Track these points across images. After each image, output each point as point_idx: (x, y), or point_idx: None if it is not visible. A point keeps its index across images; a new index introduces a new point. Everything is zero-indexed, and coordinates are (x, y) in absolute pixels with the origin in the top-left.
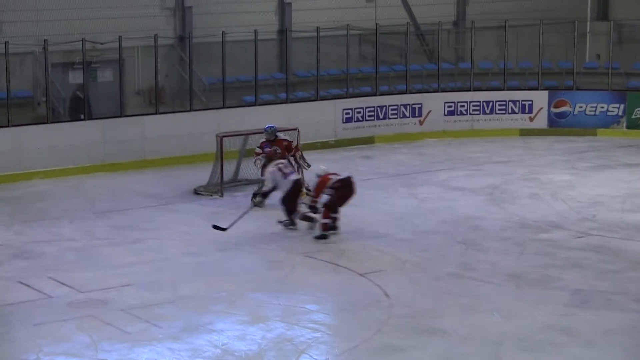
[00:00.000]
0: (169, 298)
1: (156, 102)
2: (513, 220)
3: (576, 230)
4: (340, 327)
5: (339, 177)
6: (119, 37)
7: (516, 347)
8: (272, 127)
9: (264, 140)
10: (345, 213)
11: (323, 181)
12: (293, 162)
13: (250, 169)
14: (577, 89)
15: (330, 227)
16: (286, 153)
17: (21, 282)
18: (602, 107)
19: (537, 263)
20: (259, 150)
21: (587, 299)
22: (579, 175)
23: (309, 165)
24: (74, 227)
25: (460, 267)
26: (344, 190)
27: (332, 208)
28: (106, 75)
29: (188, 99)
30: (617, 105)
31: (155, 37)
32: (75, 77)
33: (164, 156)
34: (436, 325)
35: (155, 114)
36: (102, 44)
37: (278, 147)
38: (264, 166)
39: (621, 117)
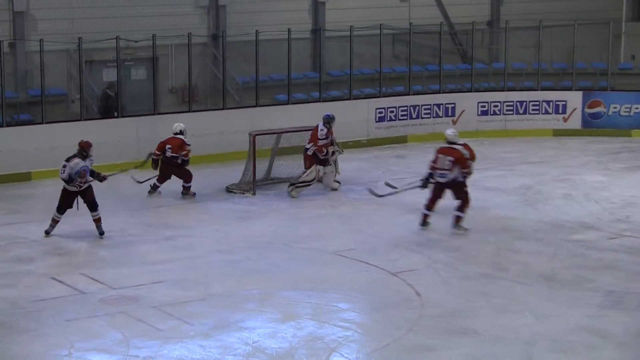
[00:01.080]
0: (201, 295)
1: (189, 100)
2: (546, 220)
3: (609, 232)
4: (371, 326)
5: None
6: (153, 35)
7: (548, 348)
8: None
9: (325, 129)
10: (377, 211)
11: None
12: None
13: (282, 167)
14: (612, 90)
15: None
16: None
17: (54, 278)
18: (637, 108)
19: (570, 264)
20: (325, 142)
21: (620, 301)
22: (613, 176)
23: (342, 150)
24: (107, 224)
25: (492, 267)
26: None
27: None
28: (140, 74)
29: (221, 97)
30: None
31: (189, 35)
32: (109, 75)
33: (197, 154)
34: (467, 325)
35: (189, 112)
36: (136, 42)
37: (330, 134)
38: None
39: None
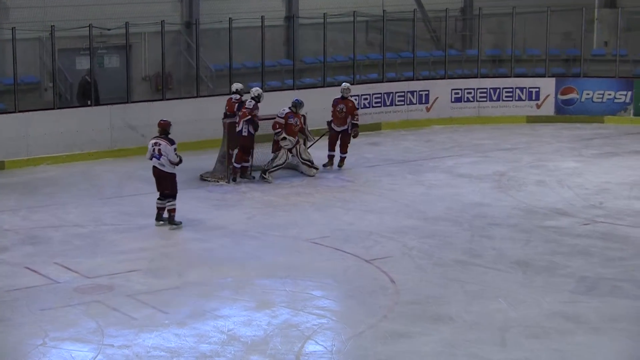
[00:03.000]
0: (175, 284)
1: (163, 88)
2: (520, 207)
3: (583, 218)
4: (346, 314)
5: None
6: (126, 23)
7: (522, 334)
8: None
9: (289, 110)
10: (352, 199)
11: None
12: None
13: (256, 154)
14: (585, 76)
15: None
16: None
17: (28, 268)
18: (610, 95)
19: (543, 250)
20: (282, 120)
21: (594, 286)
22: (586, 162)
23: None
24: (81, 213)
25: (467, 253)
26: None
27: None
28: (113, 61)
29: (195, 85)
30: (625, 92)
31: (162, 23)
32: (82, 63)
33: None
34: (442, 311)
35: (162, 100)
36: (109, 30)
37: (298, 119)
38: (276, 141)
39: (628, 104)
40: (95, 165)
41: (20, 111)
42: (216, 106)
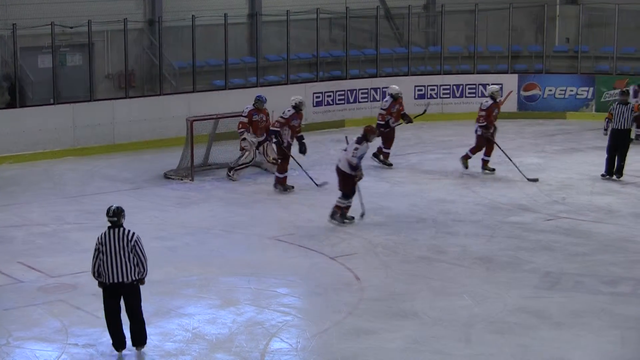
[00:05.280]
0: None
1: (126, 86)
2: (483, 203)
3: (546, 213)
4: (310, 311)
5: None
6: (89, 21)
7: (486, 330)
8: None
9: (252, 108)
10: (316, 197)
11: None
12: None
13: (220, 153)
14: (547, 73)
15: None
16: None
17: None
18: (572, 91)
19: (507, 246)
20: (245, 119)
21: (557, 282)
22: (549, 158)
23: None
24: (44, 212)
25: (431, 250)
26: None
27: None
28: (76, 60)
29: (158, 83)
30: (586, 88)
31: (125, 21)
32: (44, 61)
33: (134, 140)
34: (407, 308)
35: (125, 98)
36: (71, 27)
37: (264, 114)
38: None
39: (590, 100)
40: (58, 163)
41: None
42: (179, 104)
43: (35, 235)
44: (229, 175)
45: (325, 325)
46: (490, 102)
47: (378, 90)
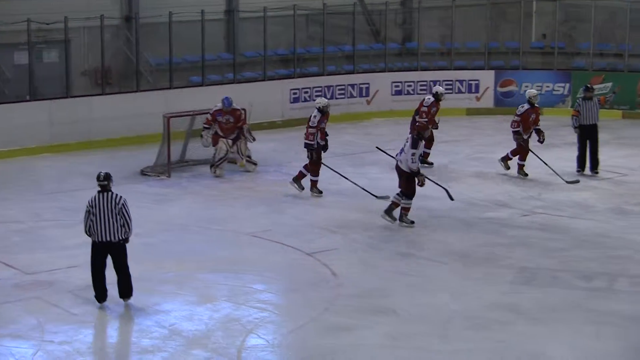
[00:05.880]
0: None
1: (102, 82)
2: (460, 199)
3: (522, 209)
4: (287, 307)
5: None
6: (65, 17)
7: (463, 326)
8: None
9: (218, 108)
10: (293, 192)
11: None
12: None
13: (197, 149)
14: (524, 69)
15: None
16: (237, 123)
17: None
18: (548, 87)
19: (484, 242)
20: (210, 117)
21: (533, 277)
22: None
23: (254, 139)
24: (21, 209)
25: (409, 246)
26: None
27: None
28: (52, 56)
29: (135, 79)
30: (563, 84)
31: (102, 17)
32: (21, 58)
33: (111, 137)
34: (384, 304)
35: (102, 94)
36: (47, 24)
37: (231, 116)
38: (214, 135)
39: (566, 96)
40: (34, 160)
41: None
42: (156, 100)
43: (11, 232)
44: (213, 173)
45: (302, 321)
46: (526, 107)
47: (355, 86)
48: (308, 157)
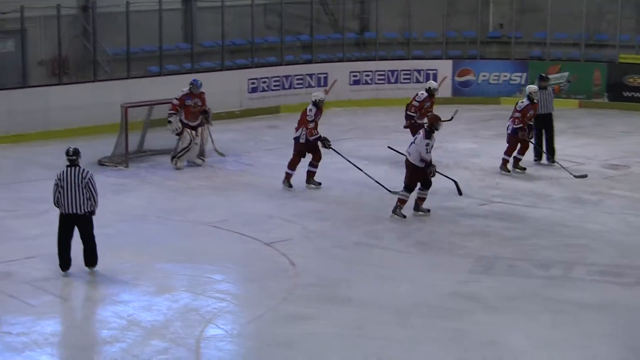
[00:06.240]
0: (74, 270)
1: (60, 72)
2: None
3: (480, 198)
4: (246, 297)
5: None
6: (21, 7)
7: (422, 314)
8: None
9: (186, 92)
10: (252, 182)
11: None
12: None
13: (155, 139)
14: (481, 58)
15: None
16: (202, 106)
17: None
18: (505, 76)
19: (442, 231)
20: (177, 102)
21: (491, 266)
22: (483, 143)
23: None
24: None
25: (367, 235)
26: None
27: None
28: (8, 46)
29: (92, 69)
30: (520, 74)
31: (58, 7)
32: None
33: (69, 127)
34: (342, 293)
35: (59, 84)
36: (3, 13)
37: (199, 99)
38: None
39: (524, 85)
40: None
41: None
42: (114, 90)
43: None
44: (174, 165)
45: (260, 311)
46: (526, 102)
47: (313, 76)
48: (322, 147)
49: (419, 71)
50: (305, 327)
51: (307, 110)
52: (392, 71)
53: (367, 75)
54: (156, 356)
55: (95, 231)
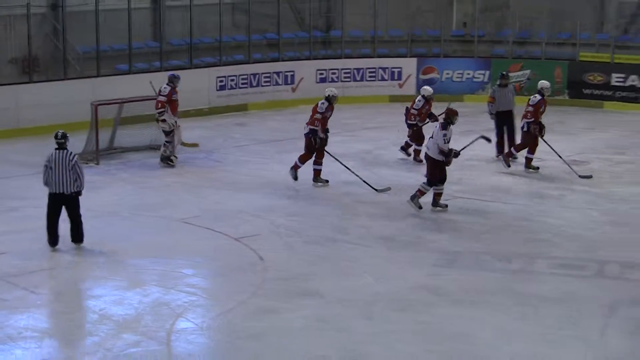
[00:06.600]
0: (46, 265)
1: (30, 70)
2: (384, 184)
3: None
4: (215, 291)
5: None
6: None
7: (388, 307)
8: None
9: (171, 87)
10: (221, 179)
11: None
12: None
13: (125, 137)
14: (445, 57)
15: None
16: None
17: None
18: (469, 74)
19: (407, 225)
20: (164, 98)
21: (455, 260)
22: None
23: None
24: None
25: (334, 230)
26: None
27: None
28: None
29: (62, 67)
30: (483, 72)
31: (28, 5)
32: None
33: (39, 125)
34: (310, 287)
35: (30, 82)
36: None
37: (177, 94)
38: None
39: (486, 83)
40: None
41: None
42: (84, 88)
43: None
44: (169, 163)
45: (230, 305)
46: (538, 97)
47: (280, 74)
48: (313, 143)
49: (384, 69)
50: (272, 321)
51: (319, 104)
52: (358, 69)
53: (334, 73)
54: (128, 349)
55: (67, 226)
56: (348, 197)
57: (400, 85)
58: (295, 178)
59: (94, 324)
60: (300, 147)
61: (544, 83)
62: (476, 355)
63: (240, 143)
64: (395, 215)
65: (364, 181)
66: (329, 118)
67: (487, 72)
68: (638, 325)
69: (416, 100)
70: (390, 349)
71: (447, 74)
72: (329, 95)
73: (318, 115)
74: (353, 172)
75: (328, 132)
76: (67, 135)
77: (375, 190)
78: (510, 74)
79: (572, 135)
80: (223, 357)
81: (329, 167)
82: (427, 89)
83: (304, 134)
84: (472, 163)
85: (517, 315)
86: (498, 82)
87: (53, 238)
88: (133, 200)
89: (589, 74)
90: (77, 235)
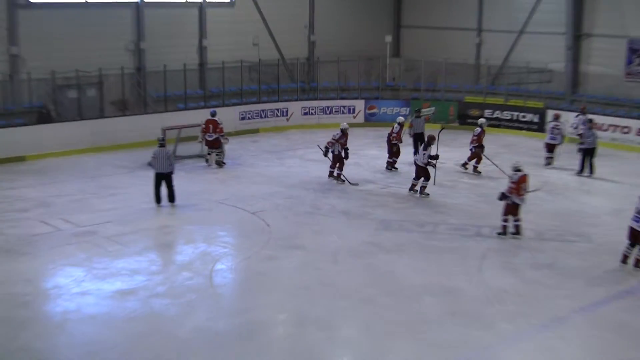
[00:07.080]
0: (135, 230)
1: (123, 108)
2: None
3: (382, 184)
4: (239, 245)
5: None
6: (99, 68)
7: (347, 255)
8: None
9: (213, 118)
10: (242, 175)
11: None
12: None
13: (183, 149)
14: (382, 99)
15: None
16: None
17: (42, 221)
18: (396, 110)
19: (359, 204)
20: (222, 126)
21: (388, 225)
22: (383, 150)
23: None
24: (74, 187)
25: (312, 207)
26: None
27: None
28: (92, 92)
29: (143, 106)
30: (405, 108)
31: (122, 68)
32: (72, 93)
33: (129, 142)
34: (298, 243)
35: (123, 116)
36: (89, 72)
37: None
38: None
39: (407, 115)
40: (82, 156)
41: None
42: (156, 120)
43: (69, 202)
44: (221, 165)
45: (248, 254)
46: (479, 130)
47: (279, 109)
48: (326, 154)
49: (344, 107)
50: (275, 264)
51: (335, 134)
52: (328, 107)
53: (312, 109)
54: (185, 282)
55: (147, 206)
56: (320, 186)
57: (354, 117)
58: (350, 182)
59: (164, 266)
60: (289, 155)
61: (481, 120)
62: (401, 284)
63: (254, 153)
64: (350, 197)
65: (345, 178)
66: (345, 142)
67: (408, 109)
68: (501, 264)
69: (394, 127)
70: (348, 280)
71: (383, 109)
72: (342, 128)
73: (332, 140)
74: (342, 174)
75: (347, 149)
76: (164, 138)
77: (351, 184)
78: (422, 110)
79: (460, 148)
80: (243, 285)
81: (325, 166)
82: (400, 119)
83: (332, 151)
84: (398, 165)
85: (426, 259)
86: (415, 115)
87: (158, 198)
88: (187, 187)
89: (471, 110)
90: (172, 197)
